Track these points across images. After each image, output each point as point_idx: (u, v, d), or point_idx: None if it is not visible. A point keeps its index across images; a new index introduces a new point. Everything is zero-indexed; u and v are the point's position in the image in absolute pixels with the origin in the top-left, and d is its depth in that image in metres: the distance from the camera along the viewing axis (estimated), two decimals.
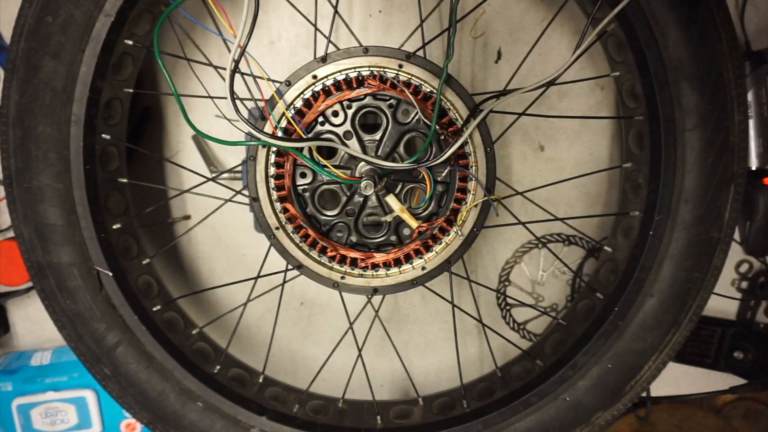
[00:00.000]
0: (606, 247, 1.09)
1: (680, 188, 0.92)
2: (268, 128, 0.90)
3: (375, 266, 0.96)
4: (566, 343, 1.04)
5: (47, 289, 0.94)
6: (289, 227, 0.95)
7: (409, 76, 0.90)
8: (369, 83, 0.90)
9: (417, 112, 0.90)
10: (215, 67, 1.02)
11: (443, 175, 0.93)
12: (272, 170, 0.93)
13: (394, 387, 1.30)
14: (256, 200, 0.93)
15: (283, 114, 0.90)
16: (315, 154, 0.91)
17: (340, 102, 0.91)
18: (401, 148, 0.93)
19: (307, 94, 0.90)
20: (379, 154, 0.93)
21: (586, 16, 1.01)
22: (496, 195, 0.94)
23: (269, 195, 0.93)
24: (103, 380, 0.96)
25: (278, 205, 0.94)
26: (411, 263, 0.96)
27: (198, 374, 0.99)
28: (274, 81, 0.88)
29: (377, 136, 0.93)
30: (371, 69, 0.89)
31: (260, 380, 1.07)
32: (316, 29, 1.00)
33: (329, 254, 0.95)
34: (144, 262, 1.05)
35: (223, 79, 0.81)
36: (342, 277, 0.96)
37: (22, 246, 0.93)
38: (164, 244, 1.22)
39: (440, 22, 1.13)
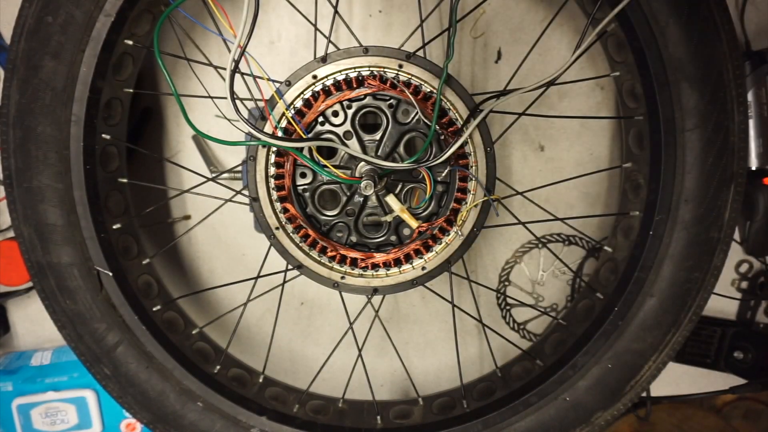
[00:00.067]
0: (606, 247, 1.09)
1: (680, 188, 0.92)
2: (268, 128, 0.90)
3: (375, 266, 0.96)
4: (566, 343, 1.04)
5: (47, 289, 0.94)
6: (289, 227, 0.95)
7: (409, 76, 0.90)
8: (369, 83, 0.90)
9: (417, 112, 0.90)
10: (215, 67, 1.02)
11: (443, 175, 0.93)
12: (272, 170, 0.93)
13: (394, 387, 1.30)
14: (256, 200, 0.93)
15: (283, 114, 0.90)
16: (315, 154, 0.91)
17: (340, 102, 0.91)
18: (401, 148, 0.93)
19: (307, 94, 0.90)
20: (379, 154, 0.93)
21: (586, 16, 1.01)
22: (496, 195, 0.94)
23: (269, 195, 0.93)
24: (103, 380, 0.96)
25: (278, 205, 0.94)
26: (411, 263, 0.96)
27: (198, 374, 0.99)
28: (274, 81, 0.88)
29: (377, 136, 0.93)
30: (371, 69, 0.89)
31: (260, 380, 1.07)
32: (316, 29, 1.00)
33: (329, 254, 0.95)
34: (144, 262, 1.05)
35: (223, 79, 0.81)
36: (342, 277, 0.96)
37: (22, 246, 0.93)
38: (164, 244, 1.22)
39: (440, 22, 1.13)
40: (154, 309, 1.01)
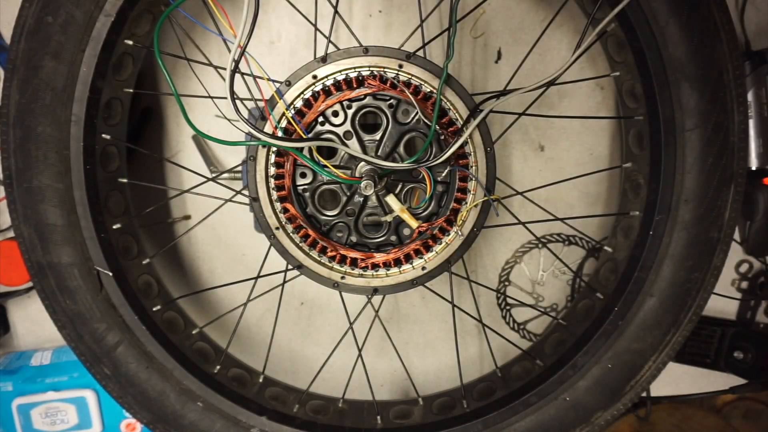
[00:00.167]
0: (606, 247, 1.09)
1: (680, 188, 0.92)
2: (268, 128, 0.90)
3: (375, 266, 0.96)
4: (566, 343, 1.04)
5: (47, 289, 0.94)
6: (289, 227, 0.95)
7: (409, 76, 0.90)
8: (369, 83, 0.90)
9: (417, 112, 0.90)
10: (215, 67, 1.02)
11: (443, 175, 0.93)
12: (272, 170, 0.93)
13: (394, 387, 1.30)
14: (256, 200, 0.93)
15: (283, 114, 0.90)
16: (315, 154, 0.91)
17: (340, 102, 0.91)
18: (401, 148, 0.93)
19: (307, 94, 0.90)
20: (379, 154, 0.93)
21: (586, 16, 1.01)
22: (496, 195, 0.94)
23: (269, 195, 0.93)
24: (103, 380, 0.96)
25: (278, 205, 0.94)
26: (411, 263, 0.96)
27: (198, 374, 0.99)
28: (274, 81, 0.88)
29: (377, 136, 0.93)
30: (371, 69, 0.89)
31: (260, 380, 1.07)
32: (316, 29, 1.00)
33: (329, 254, 0.95)
34: (144, 262, 1.05)
35: (223, 79, 0.81)
36: (342, 277, 0.96)
37: (22, 246, 0.93)
38: (164, 244, 1.22)
39: (440, 22, 1.13)
40: (154, 309, 1.01)
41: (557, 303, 1.28)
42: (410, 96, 0.88)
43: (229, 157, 1.20)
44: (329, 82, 0.90)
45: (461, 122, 0.90)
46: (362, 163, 0.92)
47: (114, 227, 0.99)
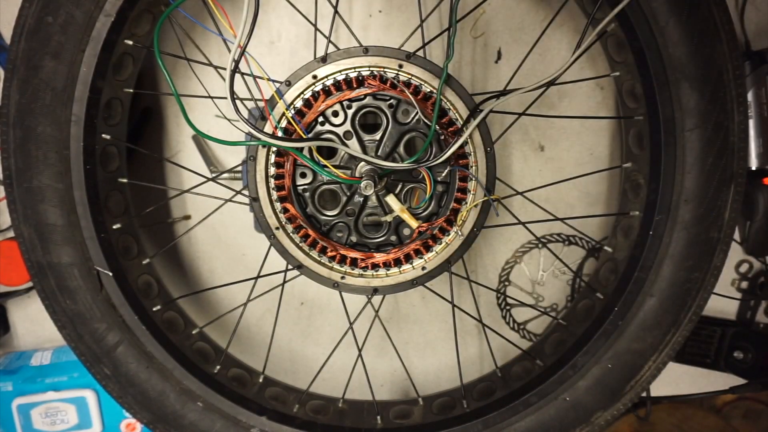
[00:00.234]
0: (606, 247, 1.09)
1: (680, 188, 0.92)
2: (268, 128, 0.90)
3: (375, 266, 0.96)
4: (566, 343, 1.04)
5: (47, 289, 0.94)
6: (289, 227, 0.95)
7: (409, 76, 0.90)
8: (369, 83, 0.90)
9: (417, 112, 0.90)
10: (215, 67, 1.02)
11: (443, 175, 0.93)
12: (272, 170, 0.93)
13: (394, 387, 1.30)
14: (256, 200, 0.93)
15: (283, 114, 0.90)
16: (315, 154, 0.91)
17: (340, 102, 0.91)
18: (401, 148, 0.93)
19: (307, 94, 0.90)
20: (379, 154, 0.93)
21: (586, 16, 1.01)
22: (496, 195, 0.94)
23: (269, 195, 0.93)
24: (103, 380, 0.96)
25: (278, 205, 0.94)
26: (411, 263, 0.96)
27: (198, 374, 0.99)
28: (274, 81, 0.88)
29: (377, 136, 0.93)
30: (371, 69, 0.89)
31: (260, 380, 1.07)
32: (316, 29, 1.00)
33: (329, 254, 0.95)
34: (144, 262, 1.05)
35: (223, 79, 0.81)
36: (342, 277, 0.96)
37: (22, 246, 0.93)
38: (164, 244, 1.22)
39: (440, 22, 1.13)
40: (154, 309, 1.01)
41: (557, 303, 1.28)
42: (410, 96, 0.88)
43: (229, 157, 1.20)
44: (329, 82, 0.90)
45: (461, 122, 0.90)
46: (362, 163, 0.92)
47: (114, 227, 0.99)
